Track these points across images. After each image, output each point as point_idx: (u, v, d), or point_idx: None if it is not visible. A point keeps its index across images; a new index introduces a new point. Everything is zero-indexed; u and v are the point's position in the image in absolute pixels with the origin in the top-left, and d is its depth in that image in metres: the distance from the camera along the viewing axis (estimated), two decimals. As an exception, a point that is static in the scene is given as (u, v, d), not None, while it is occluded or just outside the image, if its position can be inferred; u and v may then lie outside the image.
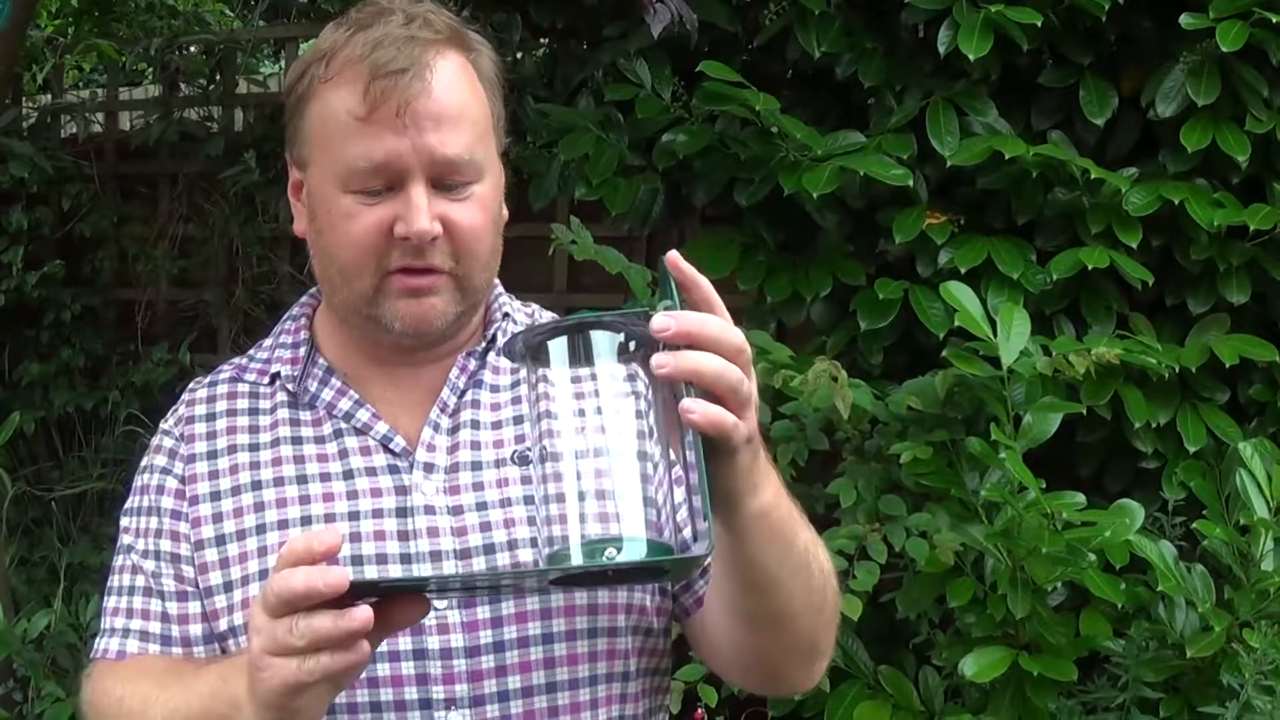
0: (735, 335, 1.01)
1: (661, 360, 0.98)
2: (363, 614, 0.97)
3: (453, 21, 1.27)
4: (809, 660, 1.27)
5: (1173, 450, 2.73)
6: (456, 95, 1.23)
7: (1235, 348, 2.66)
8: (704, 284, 1.02)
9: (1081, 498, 2.43)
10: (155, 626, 1.26)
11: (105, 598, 1.31)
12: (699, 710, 2.76)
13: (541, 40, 3.56)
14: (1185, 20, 2.70)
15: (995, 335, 2.50)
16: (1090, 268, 2.67)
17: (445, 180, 1.22)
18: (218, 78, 4.57)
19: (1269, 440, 2.63)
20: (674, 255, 1.02)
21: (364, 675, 1.18)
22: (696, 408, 0.98)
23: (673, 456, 1.04)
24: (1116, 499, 2.60)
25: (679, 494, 1.15)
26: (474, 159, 1.23)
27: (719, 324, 1.00)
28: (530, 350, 1.02)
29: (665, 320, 0.98)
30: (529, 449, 1.26)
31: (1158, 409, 2.70)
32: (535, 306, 1.42)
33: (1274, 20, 2.65)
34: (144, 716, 1.18)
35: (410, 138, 1.19)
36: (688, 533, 1.06)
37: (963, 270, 2.70)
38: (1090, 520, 2.41)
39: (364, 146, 1.20)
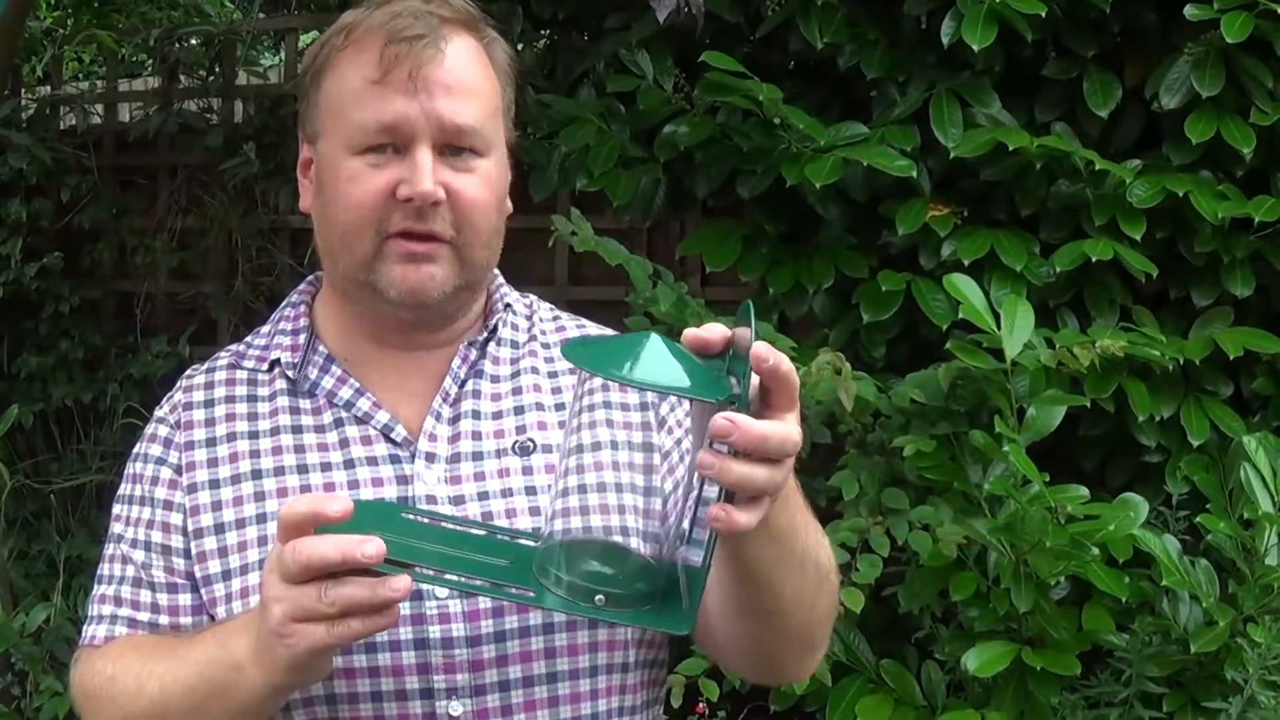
0: (795, 440, 1.00)
1: (708, 462, 0.97)
2: (404, 584, 1.00)
3: (471, 8, 1.28)
4: (803, 652, 1.28)
5: (1176, 444, 2.73)
6: (468, 69, 1.25)
7: (1239, 340, 2.65)
8: (782, 373, 0.98)
9: (1085, 491, 2.43)
10: (144, 615, 1.26)
11: (95, 585, 1.31)
12: (700, 705, 2.76)
13: (542, 31, 3.55)
14: (1189, 12, 2.69)
15: (998, 328, 2.49)
16: (1094, 260, 2.66)
17: (452, 146, 1.23)
18: (217, 69, 4.56)
19: (1273, 434, 2.62)
20: (761, 349, 0.96)
21: (365, 665, 1.18)
22: (722, 515, 0.98)
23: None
24: (1120, 493, 2.59)
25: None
26: (482, 131, 1.25)
27: (782, 435, 0.98)
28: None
29: (727, 426, 0.95)
30: (530, 439, 1.27)
31: (1161, 402, 2.69)
32: (533, 298, 1.42)
33: (1278, 11, 2.64)
34: (138, 692, 1.18)
35: (420, 101, 1.21)
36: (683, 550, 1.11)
37: (966, 262, 2.69)
38: (1094, 514, 2.40)
39: (374, 108, 1.21)
